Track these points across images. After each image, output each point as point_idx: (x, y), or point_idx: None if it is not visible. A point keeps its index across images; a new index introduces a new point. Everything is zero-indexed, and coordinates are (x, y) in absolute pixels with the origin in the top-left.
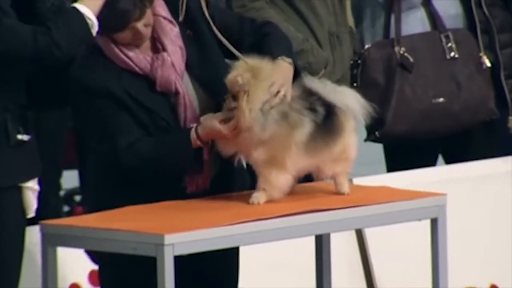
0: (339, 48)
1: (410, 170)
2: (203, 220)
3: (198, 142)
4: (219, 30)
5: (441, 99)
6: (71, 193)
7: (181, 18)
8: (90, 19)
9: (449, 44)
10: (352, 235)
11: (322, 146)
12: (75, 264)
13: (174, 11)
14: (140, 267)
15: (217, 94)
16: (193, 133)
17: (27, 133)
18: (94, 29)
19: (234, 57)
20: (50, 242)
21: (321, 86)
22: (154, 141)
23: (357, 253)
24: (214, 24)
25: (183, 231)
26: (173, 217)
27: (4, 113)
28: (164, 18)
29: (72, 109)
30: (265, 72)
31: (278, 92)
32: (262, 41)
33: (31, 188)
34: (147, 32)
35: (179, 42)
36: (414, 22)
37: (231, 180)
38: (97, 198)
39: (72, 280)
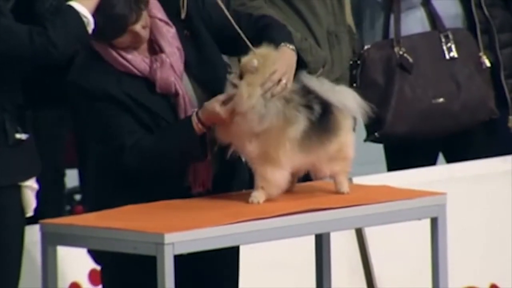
0: (337, 47)
1: (410, 170)
2: (203, 219)
3: (200, 126)
4: (217, 29)
5: (441, 99)
6: (71, 192)
7: (183, 16)
8: (85, 17)
9: (449, 44)
10: (352, 234)
11: (317, 145)
12: (75, 263)
13: (170, 13)
14: (141, 267)
15: (216, 94)
16: (194, 117)
17: (25, 132)
18: (90, 26)
19: (232, 53)
20: (50, 241)
21: (318, 85)
22: (157, 133)
23: (357, 252)
24: (212, 23)
25: (183, 230)
26: (173, 216)
27: (2, 112)
28: (160, 20)
29: (71, 111)
30: (269, 60)
31: (280, 80)
32: (262, 33)
33: (30, 187)
34: (145, 33)
35: (177, 43)
36: (414, 22)
37: (232, 178)
38: (97, 197)
39: (72, 279)
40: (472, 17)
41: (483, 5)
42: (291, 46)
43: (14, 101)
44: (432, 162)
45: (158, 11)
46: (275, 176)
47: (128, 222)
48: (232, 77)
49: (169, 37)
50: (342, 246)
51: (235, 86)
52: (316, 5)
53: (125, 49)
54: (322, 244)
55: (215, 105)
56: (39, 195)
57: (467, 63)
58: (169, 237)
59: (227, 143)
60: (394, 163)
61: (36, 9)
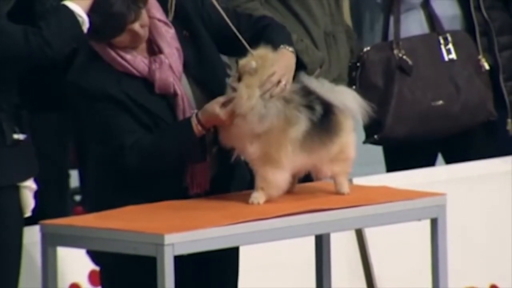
0: (335, 48)
1: (410, 170)
2: (203, 220)
3: (199, 128)
4: (216, 30)
5: (440, 102)
6: (71, 192)
7: (170, 18)
8: (80, 16)
9: (448, 46)
10: (352, 235)
11: (318, 145)
12: (75, 264)
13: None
14: (141, 267)
15: (215, 94)
16: (194, 119)
17: (22, 132)
18: (85, 26)
19: (231, 54)
20: (50, 242)
21: (318, 86)
22: (156, 133)
23: (357, 253)
24: (211, 23)
25: (183, 231)
26: (173, 217)
27: None
28: (159, 20)
29: (71, 112)
30: (268, 62)
31: (279, 82)
32: (262, 34)
33: (29, 187)
34: (144, 32)
35: (176, 43)
36: (413, 24)
37: (231, 180)
38: (97, 198)
39: (72, 280)
40: (471, 20)
41: (482, 7)
42: (290, 48)
43: (11, 101)
44: (431, 163)
45: (157, 11)
46: (276, 178)
47: (128, 223)
48: (232, 80)
49: (168, 37)
50: (342, 246)
51: (234, 89)
52: (312, 5)
53: (124, 49)
54: (322, 245)
55: (215, 106)
56: (37, 195)
57: (466, 65)
58: (169, 238)
59: (229, 146)
60: (393, 164)
61: (36, 10)
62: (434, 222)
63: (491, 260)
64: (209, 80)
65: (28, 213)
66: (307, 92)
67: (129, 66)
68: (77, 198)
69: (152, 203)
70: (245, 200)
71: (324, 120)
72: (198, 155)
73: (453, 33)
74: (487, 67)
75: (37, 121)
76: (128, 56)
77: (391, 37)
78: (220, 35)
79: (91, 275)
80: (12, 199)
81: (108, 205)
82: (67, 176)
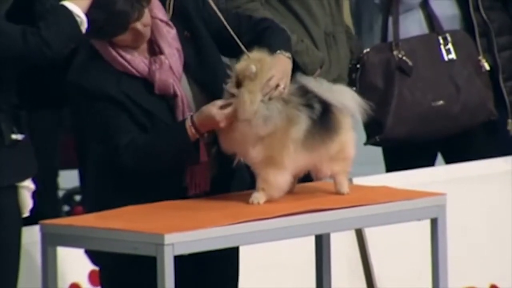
0: (335, 48)
1: (410, 170)
2: (203, 220)
3: (193, 130)
4: (216, 30)
5: (440, 102)
6: (71, 193)
7: (169, 17)
8: (79, 16)
9: (447, 46)
10: (352, 235)
11: (319, 143)
12: (75, 264)
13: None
14: (140, 267)
15: (215, 96)
16: (188, 121)
17: (21, 133)
18: (83, 26)
19: (231, 55)
20: (50, 242)
21: (316, 85)
22: (151, 133)
23: (357, 253)
24: (211, 24)
25: (183, 231)
26: (173, 217)
27: None
28: (161, 20)
29: (71, 111)
30: (266, 66)
31: (277, 86)
32: (261, 37)
33: (27, 187)
34: (146, 32)
35: (177, 44)
36: (412, 24)
37: (231, 181)
38: (97, 198)
39: (72, 280)
40: (470, 20)
41: (481, 8)
42: (287, 54)
43: (9, 101)
44: (430, 163)
45: (159, 11)
46: (277, 179)
47: (128, 223)
48: (230, 86)
49: (169, 38)
50: (342, 246)
51: (232, 95)
52: (313, 6)
53: (125, 49)
54: (322, 245)
55: (212, 108)
56: (35, 195)
57: (466, 64)
58: (169, 238)
59: (230, 151)
60: (393, 164)
61: (36, 10)
62: (434, 222)
63: (491, 260)
64: (209, 81)
65: (26, 213)
66: (304, 92)
67: (129, 66)
68: (77, 198)
69: (152, 203)
70: (246, 200)
71: (324, 119)
72: (192, 158)
73: (453, 33)
74: (487, 67)
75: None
76: (128, 56)
77: (390, 38)
78: (221, 36)
79: (91, 275)
80: (10, 199)
81: (108, 205)
82: (56, 174)
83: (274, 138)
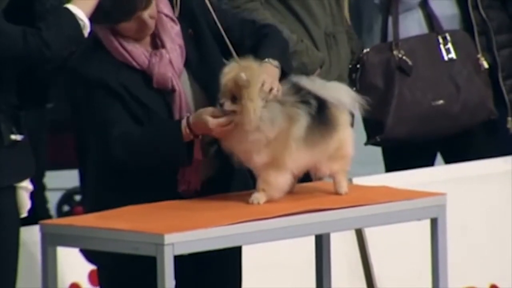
0: (335, 48)
1: (410, 170)
2: (203, 220)
3: (188, 131)
4: (218, 32)
5: (440, 101)
6: (71, 193)
7: (176, 14)
8: (82, 20)
9: (447, 46)
10: (352, 235)
11: (319, 139)
12: (75, 264)
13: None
14: (140, 267)
15: (215, 94)
16: (184, 121)
17: (20, 133)
18: (86, 30)
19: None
20: (50, 242)
21: (310, 83)
22: (145, 129)
23: (357, 253)
24: (216, 25)
25: (183, 231)
26: (173, 217)
27: None
28: (166, 15)
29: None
30: (255, 71)
31: (271, 89)
32: (259, 44)
33: (25, 188)
34: (151, 23)
35: (179, 40)
36: (411, 24)
37: (231, 180)
38: (96, 198)
39: (72, 280)
40: (469, 19)
41: (480, 7)
42: (274, 63)
43: (9, 101)
44: (430, 163)
45: (165, 6)
46: (278, 180)
47: (128, 223)
48: (227, 106)
49: (172, 33)
50: (342, 246)
51: (230, 112)
52: (313, 6)
53: (127, 39)
54: (322, 245)
55: (206, 114)
56: (33, 195)
57: (465, 64)
58: (169, 238)
59: (235, 157)
60: (392, 164)
61: (36, 10)
62: (434, 222)
63: (491, 260)
64: (209, 80)
65: (24, 214)
66: (297, 89)
67: (129, 57)
68: (77, 198)
69: (151, 202)
70: (245, 200)
71: (321, 114)
72: (184, 159)
73: (452, 33)
74: (486, 66)
75: None
76: (129, 47)
77: (390, 37)
78: (223, 38)
79: (91, 275)
80: (9, 200)
81: (108, 205)
82: (43, 174)
83: (277, 139)
